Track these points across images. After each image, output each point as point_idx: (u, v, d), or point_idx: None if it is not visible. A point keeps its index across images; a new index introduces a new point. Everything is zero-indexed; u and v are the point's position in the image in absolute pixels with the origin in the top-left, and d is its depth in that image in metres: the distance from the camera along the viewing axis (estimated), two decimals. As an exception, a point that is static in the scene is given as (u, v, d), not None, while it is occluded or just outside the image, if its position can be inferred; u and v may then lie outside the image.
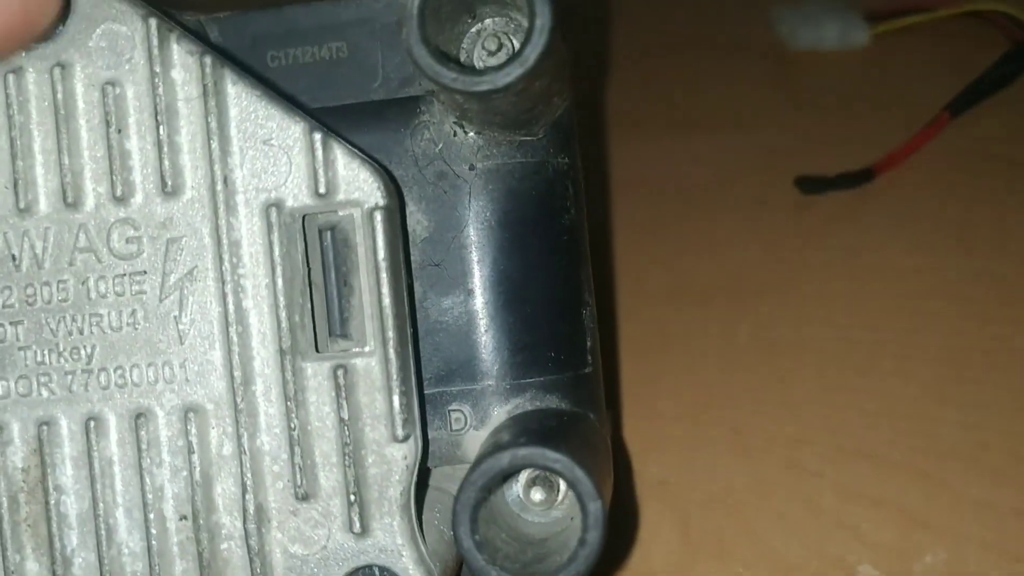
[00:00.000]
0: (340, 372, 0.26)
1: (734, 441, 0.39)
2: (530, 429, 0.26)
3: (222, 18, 0.32)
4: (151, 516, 0.26)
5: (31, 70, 0.26)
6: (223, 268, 0.26)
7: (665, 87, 0.50)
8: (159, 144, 0.26)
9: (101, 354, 0.26)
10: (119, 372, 0.26)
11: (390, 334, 0.26)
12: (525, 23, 0.28)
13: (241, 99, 0.26)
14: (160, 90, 0.26)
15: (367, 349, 0.26)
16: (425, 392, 0.29)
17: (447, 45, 0.28)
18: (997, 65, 0.46)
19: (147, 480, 0.26)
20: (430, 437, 0.29)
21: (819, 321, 0.42)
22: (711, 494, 0.38)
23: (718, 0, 0.53)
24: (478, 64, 0.29)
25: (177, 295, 0.26)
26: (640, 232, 0.46)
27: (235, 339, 0.26)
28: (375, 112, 0.30)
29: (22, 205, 0.27)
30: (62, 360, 0.26)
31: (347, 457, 0.26)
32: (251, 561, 0.26)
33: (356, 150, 0.26)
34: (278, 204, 0.26)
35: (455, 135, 0.29)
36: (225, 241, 0.26)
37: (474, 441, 0.29)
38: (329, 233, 0.26)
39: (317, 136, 0.26)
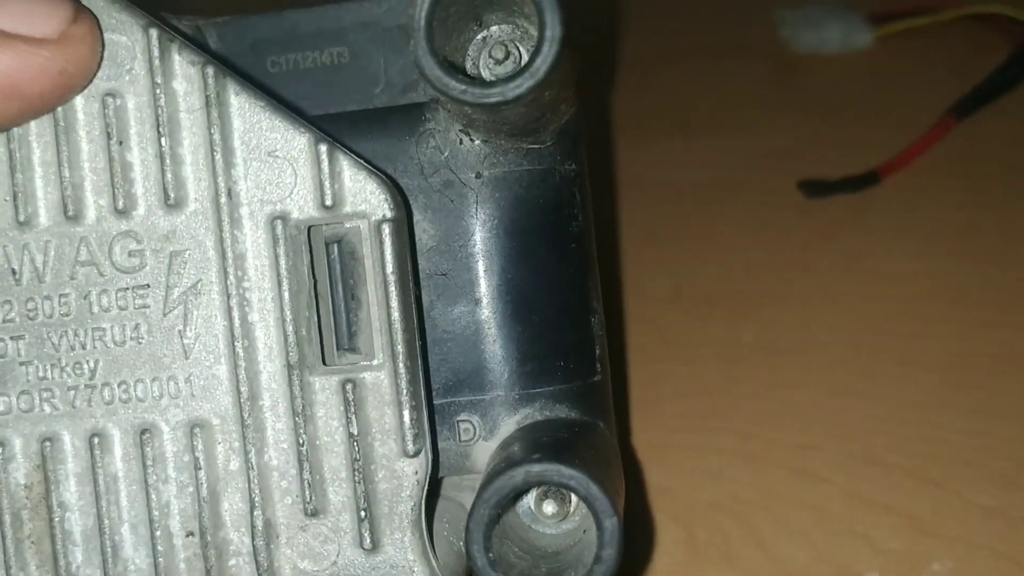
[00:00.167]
0: (349, 386, 0.25)
1: (739, 447, 0.39)
2: (542, 442, 0.26)
3: (221, 22, 0.32)
4: (157, 533, 0.26)
5: (31, 81, 0.26)
6: (228, 281, 0.26)
7: (666, 90, 0.50)
8: (161, 156, 0.26)
9: (104, 369, 0.26)
10: (123, 387, 0.26)
11: (399, 348, 0.25)
12: (532, 30, 0.27)
13: (245, 110, 0.26)
14: (162, 101, 0.26)
15: (376, 363, 0.26)
16: (433, 403, 0.29)
17: (453, 54, 0.27)
18: (1002, 68, 0.46)
19: (153, 496, 0.26)
20: (439, 448, 0.29)
21: (824, 325, 0.42)
22: (716, 501, 0.38)
23: (720, 3, 0.52)
24: (484, 73, 0.28)
25: (181, 309, 0.26)
26: (641, 235, 0.45)
27: (241, 353, 0.26)
28: (379, 119, 0.30)
29: (22, 218, 0.26)
30: (64, 375, 0.26)
31: (357, 472, 0.25)
32: (260, 578, 0.25)
33: (362, 161, 0.26)
34: (283, 216, 0.26)
35: (461, 143, 0.29)
36: (230, 254, 0.26)
37: (483, 452, 0.29)
38: (336, 246, 0.26)
39: (323, 147, 0.26)
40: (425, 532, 0.26)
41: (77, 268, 0.26)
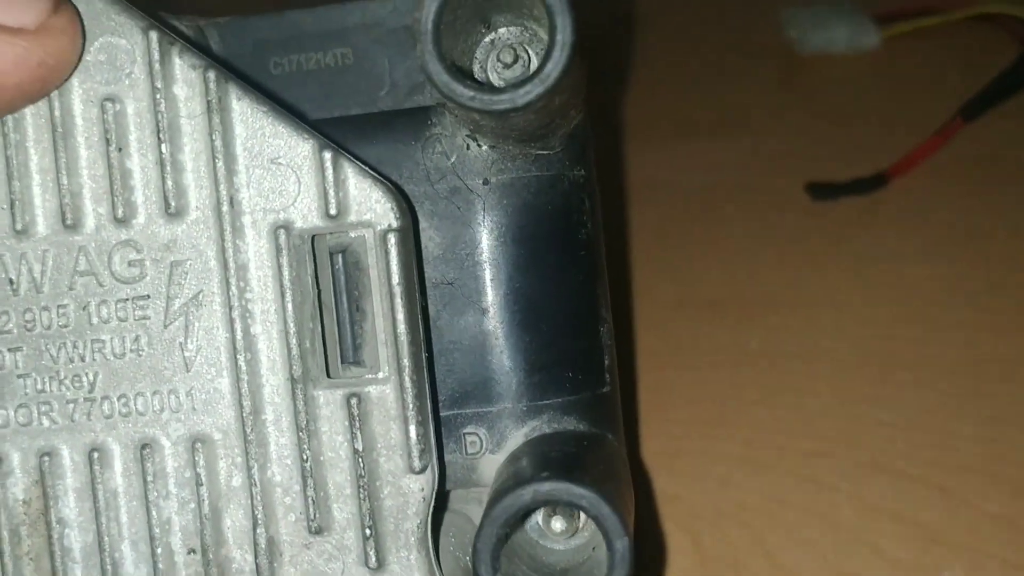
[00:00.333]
0: (353, 401, 0.25)
1: (746, 454, 0.39)
2: (550, 458, 0.25)
3: (223, 23, 0.31)
4: (158, 550, 0.25)
5: (27, 86, 0.25)
6: (230, 292, 0.25)
7: (674, 92, 0.49)
8: (161, 163, 0.25)
9: (104, 382, 0.25)
10: (123, 401, 0.25)
11: (405, 361, 0.25)
12: (542, 33, 0.27)
13: (247, 116, 0.25)
14: (162, 106, 0.25)
15: (381, 376, 0.25)
16: (440, 415, 0.28)
17: (461, 57, 0.27)
18: (1010, 69, 0.45)
19: (154, 513, 0.25)
20: (445, 461, 0.28)
21: (832, 330, 0.41)
22: (724, 509, 0.38)
23: (727, 4, 0.52)
24: (493, 77, 0.28)
25: (182, 320, 0.25)
26: (648, 239, 0.45)
27: (243, 366, 0.25)
28: (384, 123, 0.30)
29: (19, 227, 0.25)
30: (63, 388, 0.25)
31: (362, 489, 0.25)
32: (262, 596, 0.25)
33: (368, 168, 0.25)
34: (287, 226, 0.25)
35: (468, 148, 0.28)
36: (232, 264, 0.25)
37: (490, 465, 0.28)
38: (340, 256, 0.25)
39: (327, 155, 0.25)
40: (431, 549, 0.25)
41: (76, 278, 0.25)
